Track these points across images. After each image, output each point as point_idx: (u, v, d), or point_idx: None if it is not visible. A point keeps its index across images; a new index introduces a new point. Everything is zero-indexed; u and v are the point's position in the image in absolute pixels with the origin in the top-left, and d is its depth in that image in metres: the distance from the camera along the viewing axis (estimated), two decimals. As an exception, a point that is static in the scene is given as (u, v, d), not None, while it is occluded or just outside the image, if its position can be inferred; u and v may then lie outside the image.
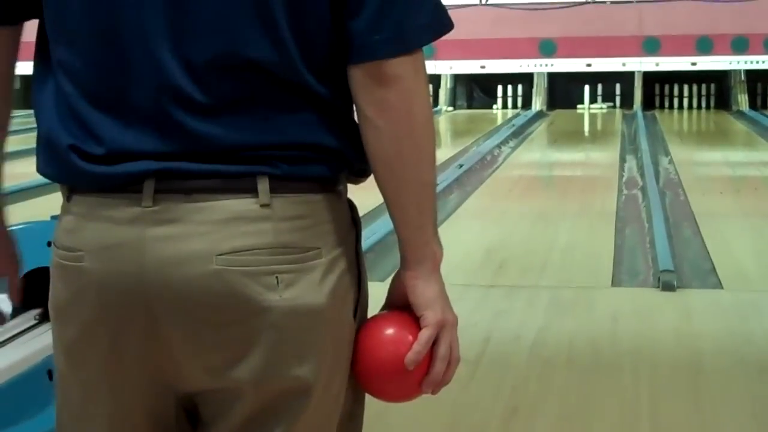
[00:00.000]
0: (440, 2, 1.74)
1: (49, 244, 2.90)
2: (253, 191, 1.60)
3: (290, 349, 1.63)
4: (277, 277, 1.61)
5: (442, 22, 1.72)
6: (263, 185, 1.60)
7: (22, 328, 2.81)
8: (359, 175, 1.73)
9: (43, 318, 2.90)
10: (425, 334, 1.71)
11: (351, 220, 1.73)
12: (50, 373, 2.72)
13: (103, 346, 1.64)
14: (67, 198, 1.74)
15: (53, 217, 3.05)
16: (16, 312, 2.88)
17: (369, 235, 5.89)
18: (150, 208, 1.60)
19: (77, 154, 1.66)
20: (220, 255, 1.59)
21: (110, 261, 1.62)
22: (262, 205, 1.60)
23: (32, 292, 2.95)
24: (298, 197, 1.63)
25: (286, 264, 1.61)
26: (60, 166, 1.71)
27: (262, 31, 1.60)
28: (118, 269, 1.62)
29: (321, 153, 1.64)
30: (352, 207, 1.74)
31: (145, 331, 1.62)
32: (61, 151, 1.69)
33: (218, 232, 1.59)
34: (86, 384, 1.69)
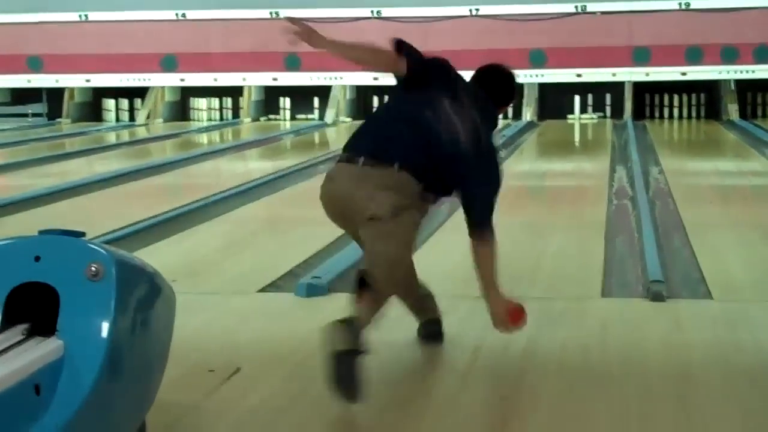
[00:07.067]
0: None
1: (36, 258, 2.92)
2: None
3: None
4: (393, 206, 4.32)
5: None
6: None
7: (10, 343, 2.81)
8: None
9: (31, 332, 2.89)
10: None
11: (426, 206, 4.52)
12: (37, 388, 2.71)
13: (335, 214, 4.48)
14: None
15: (41, 232, 3.06)
16: (4, 326, 2.87)
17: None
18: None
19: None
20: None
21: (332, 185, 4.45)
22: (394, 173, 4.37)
23: (20, 307, 2.95)
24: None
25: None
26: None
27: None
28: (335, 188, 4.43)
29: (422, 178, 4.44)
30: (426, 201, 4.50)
31: (342, 207, 4.39)
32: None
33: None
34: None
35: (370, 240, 4.33)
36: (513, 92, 4.87)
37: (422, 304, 4.87)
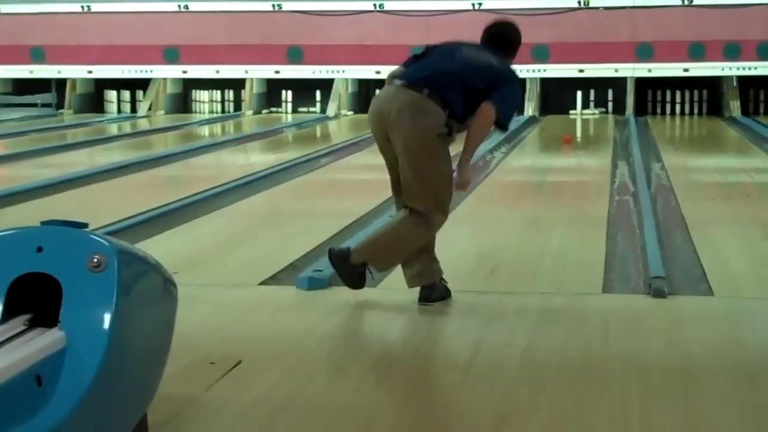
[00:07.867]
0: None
1: (39, 249, 2.92)
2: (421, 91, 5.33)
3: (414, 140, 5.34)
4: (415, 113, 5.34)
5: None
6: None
7: (11, 334, 2.80)
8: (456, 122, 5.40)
9: (33, 323, 2.89)
10: None
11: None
12: (39, 379, 2.71)
13: (375, 130, 5.45)
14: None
15: (43, 223, 3.05)
16: (5, 317, 2.87)
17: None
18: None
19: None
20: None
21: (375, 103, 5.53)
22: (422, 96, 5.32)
23: (22, 298, 2.95)
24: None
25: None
26: None
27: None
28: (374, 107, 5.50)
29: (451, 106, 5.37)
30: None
31: (383, 123, 5.36)
32: None
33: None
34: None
35: (407, 182, 5.37)
36: (516, 41, 6.29)
37: (429, 266, 5.44)
